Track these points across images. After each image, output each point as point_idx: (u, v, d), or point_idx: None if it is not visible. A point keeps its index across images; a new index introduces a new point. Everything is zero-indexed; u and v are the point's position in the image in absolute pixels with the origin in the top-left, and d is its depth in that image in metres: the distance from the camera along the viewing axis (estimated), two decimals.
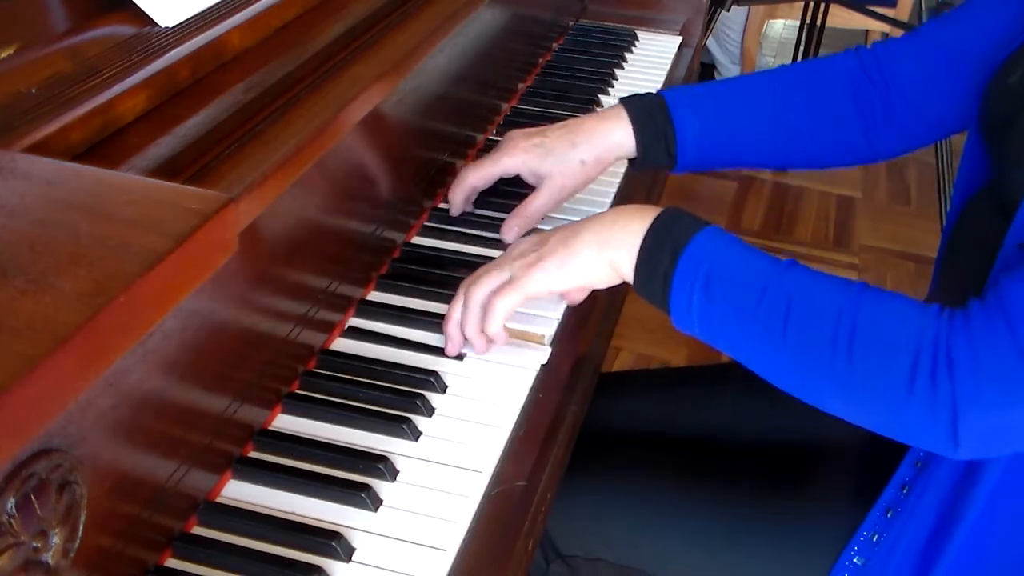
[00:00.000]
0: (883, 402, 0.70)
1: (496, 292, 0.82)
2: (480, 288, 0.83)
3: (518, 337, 0.87)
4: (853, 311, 0.71)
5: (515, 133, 1.01)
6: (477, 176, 1.01)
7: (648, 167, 1.03)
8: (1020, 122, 0.85)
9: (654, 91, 1.03)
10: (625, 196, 1.13)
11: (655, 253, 0.77)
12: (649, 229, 0.78)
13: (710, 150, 1.01)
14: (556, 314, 0.91)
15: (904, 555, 0.83)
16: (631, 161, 1.03)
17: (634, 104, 1.00)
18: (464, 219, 1.05)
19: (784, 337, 0.72)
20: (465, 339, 0.85)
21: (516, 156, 0.99)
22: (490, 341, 0.84)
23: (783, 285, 0.73)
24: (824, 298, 0.72)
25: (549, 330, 0.89)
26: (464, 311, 0.84)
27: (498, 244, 1.00)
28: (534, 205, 0.99)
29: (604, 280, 0.82)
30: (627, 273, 0.79)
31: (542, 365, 0.86)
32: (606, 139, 0.99)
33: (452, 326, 0.85)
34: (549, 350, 0.87)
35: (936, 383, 0.67)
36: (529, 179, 1.00)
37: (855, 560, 0.86)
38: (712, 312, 0.75)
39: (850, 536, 0.86)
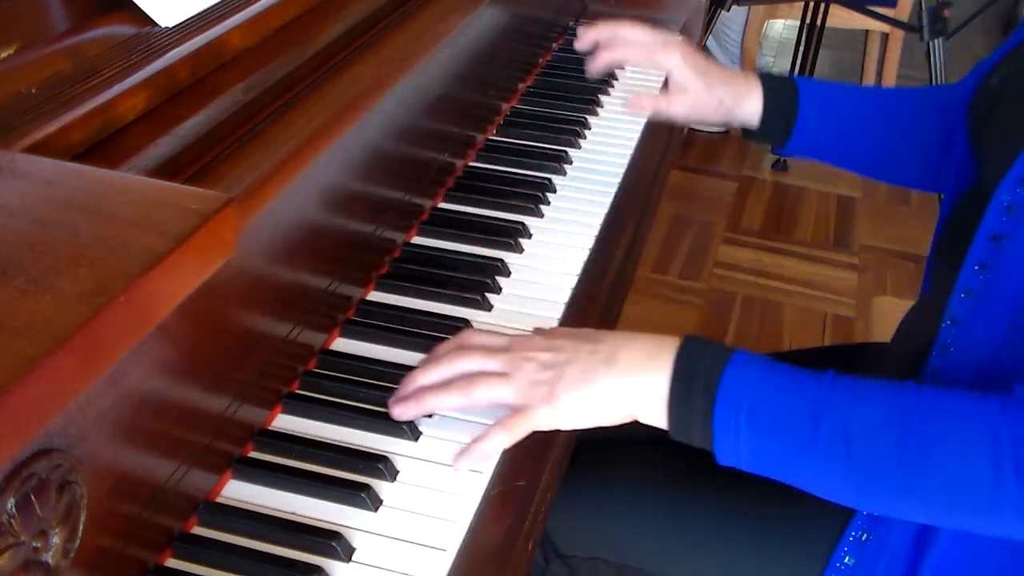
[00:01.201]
0: (973, 509, 0.69)
1: (502, 421, 0.76)
2: (480, 388, 0.76)
3: None
4: (917, 424, 0.70)
5: (684, 42, 1.09)
6: (637, 55, 1.10)
7: (762, 139, 1.11)
8: (994, 118, 0.87)
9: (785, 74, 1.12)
10: (629, 193, 1.13)
11: (688, 399, 0.73)
12: (674, 374, 0.74)
13: (822, 140, 1.10)
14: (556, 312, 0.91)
15: (894, 552, 0.83)
16: (745, 131, 1.12)
17: (767, 80, 1.09)
18: (464, 219, 1.05)
19: (849, 463, 0.70)
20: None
21: (678, 58, 1.07)
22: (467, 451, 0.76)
23: (834, 408, 0.71)
24: (882, 414, 0.71)
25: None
26: (447, 389, 0.77)
27: (499, 244, 1.00)
28: (669, 106, 1.09)
29: (616, 423, 0.77)
30: (653, 420, 0.76)
31: None
32: (742, 99, 1.09)
33: (422, 392, 0.78)
34: None
35: (1021, 480, 0.67)
36: (674, 79, 1.08)
37: (846, 560, 0.86)
38: (764, 447, 0.72)
39: (840, 536, 0.86)
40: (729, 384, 0.73)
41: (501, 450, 0.76)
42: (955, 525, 0.74)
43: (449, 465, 0.75)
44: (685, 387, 0.74)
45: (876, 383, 0.73)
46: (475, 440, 0.76)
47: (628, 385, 0.75)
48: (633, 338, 0.78)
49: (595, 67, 1.12)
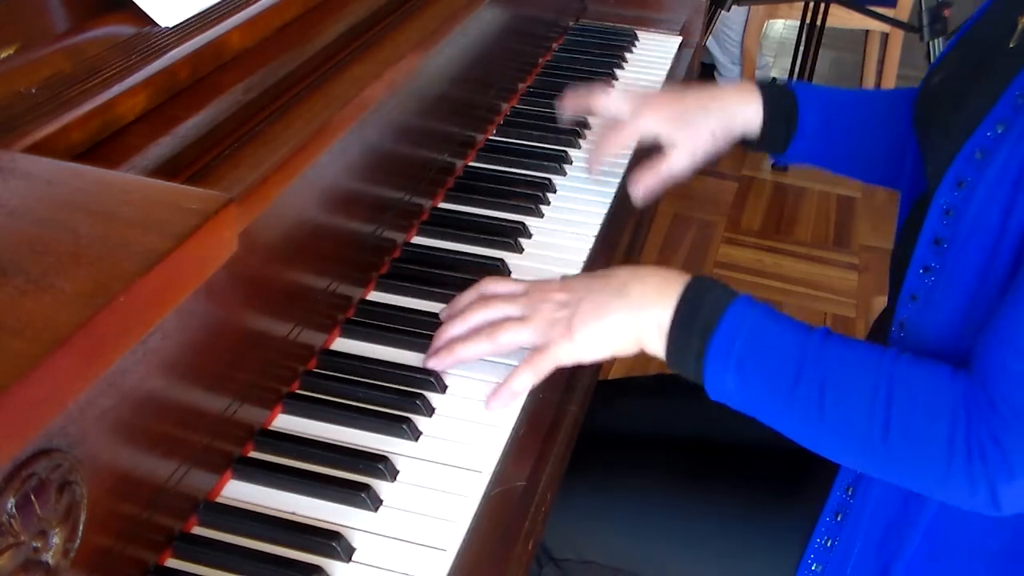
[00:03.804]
0: (924, 477, 0.73)
1: (526, 360, 0.80)
2: (504, 333, 0.82)
3: None
4: (887, 392, 0.73)
5: (651, 97, 1.06)
6: (619, 143, 1.06)
7: (762, 149, 1.08)
8: (935, 122, 0.88)
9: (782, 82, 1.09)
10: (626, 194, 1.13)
11: (685, 334, 0.78)
12: (678, 306, 0.79)
13: (822, 146, 1.07)
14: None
15: (859, 557, 0.83)
16: (746, 142, 1.08)
17: (766, 88, 1.07)
18: (464, 219, 1.05)
19: (821, 418, 0.74)
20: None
21: (655, 120, 1.04)
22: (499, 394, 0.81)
23: (817, 366, 0.75)
24: (856, 377, 0.74)
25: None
26: (474, 338, 0.82)
27: (499, 244, 1.00)
28: (671, 166, 1.04)
29: (630, 353, 0.82)
30: (656, 351, 0.80)
31: None
32: (738, 114, 1.05)
33: (452, 343, 0.82)
34: None
35: (971, 461, 0.70)
36: (662, 142, 1.05)
37: (813, 567, 0.86)
38: (748, 393, 0.77)
39: (806, 543, 0.86)
40: (723, 331, 0.76)
41: (528, 388, 0.80)
42: (909, 487, 0.77)
43: (449, 465, 0.75)
44: (684, 326, 0.78)
45: (862, 349, 0.76)
46: (503, 381, 0.80)
47: (637, 317, 0.79)
48: (645, 271, 0.83)
49: (566, 111, 1.11)
